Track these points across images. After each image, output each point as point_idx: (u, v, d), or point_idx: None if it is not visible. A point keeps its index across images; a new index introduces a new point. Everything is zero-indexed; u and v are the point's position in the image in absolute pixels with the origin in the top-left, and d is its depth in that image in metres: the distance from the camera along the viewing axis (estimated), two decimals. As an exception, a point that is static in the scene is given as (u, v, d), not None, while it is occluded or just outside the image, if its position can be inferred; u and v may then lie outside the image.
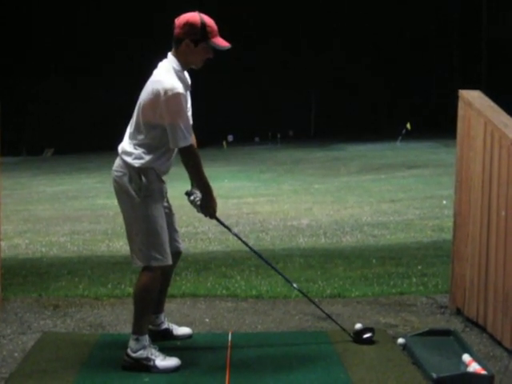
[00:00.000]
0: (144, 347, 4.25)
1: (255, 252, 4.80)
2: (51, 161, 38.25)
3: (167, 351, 4.36)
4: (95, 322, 5.27)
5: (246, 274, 6.86)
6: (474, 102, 5.05)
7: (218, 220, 4.54)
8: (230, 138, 43.44)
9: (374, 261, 7.60)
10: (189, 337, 4.84)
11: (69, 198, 18.85)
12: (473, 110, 5.03)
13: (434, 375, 3.99)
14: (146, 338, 4.29)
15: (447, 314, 5.36)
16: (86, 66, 48.16)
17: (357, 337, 4.67)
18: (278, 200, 16.59)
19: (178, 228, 4.65)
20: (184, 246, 4.81)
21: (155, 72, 4.26)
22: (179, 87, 4.12)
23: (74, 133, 46.67)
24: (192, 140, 4.26)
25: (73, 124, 47.72)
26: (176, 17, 4.27)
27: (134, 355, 4.25)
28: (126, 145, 4.31)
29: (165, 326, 4.79)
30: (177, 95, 4.09)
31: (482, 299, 4.84)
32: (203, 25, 4.18)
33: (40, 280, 6.78)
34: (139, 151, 4.24)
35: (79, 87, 47.93)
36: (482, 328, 4.85)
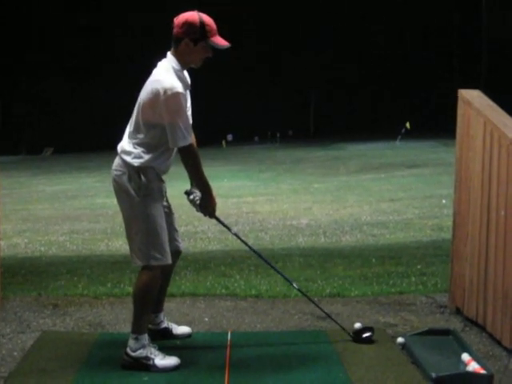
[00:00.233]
0: (143, 346, 4.25)
1: (255, 251, 4.80)
2: (51, 160, 38.25)
3: (166, 350, 4.36)
4: (94, 321, 5.27)
5: (246, 274, 6.87)
6: (473, 101, 5.05)
7: (217, 219, 4.53)
8: (230, 137, 43.45)
9: (373, 260, 7.61)
10: (188, 336, 4.84)
11: (68, 198, 18.86)
12: (472, 110, 5.03)
13: (434, 374, 3.99)
14: (146, 337, 4.29)
15: (446, 314, 5.36)
16: (86, 66, 48.18)
17: (356, 336, 4.67)
18: (277, 199, 16.60)
19: (177, 227, 4.65)
20: (184, 245, 4.81)
21: (155, 71, 4.26)
22: (179, 87, 4.11)
23: (73, 132, 46.69)
24: (192, 139, 4.26)
25: (72, 123, 47.74)
26: (175, 16, 4.27)
27: (133, 354, 4.25)
28: (125, 144, 4.31)
29: (164, 325, 4.78)
30: (176, 95, 4.09)
31: (481, 298, 4.84)
32: (202, 24, 4.17)
33: (39, 279, 6.78)
34: (138, 150, 4.24)
35: (79, 87, 47.93)
36: (482, 327, 4.85)
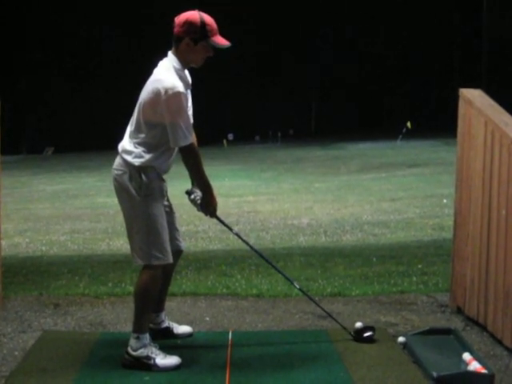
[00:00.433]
0: (144, 346, 4.25)
1: (256, 251, 4.80)
2: (51, 159, 38.27)
3: (168, 350, 4.36)
4: (95, 320, 5.27)
5: (247, 273, 6.87)
6: (474, 100, 5.05)
7: (218, 219, 4.53)
8: (231, 136, 43.46)
9: (374, 259, 7.61)
10: (189, 335, 4.84)
11: (69, 197, 18.87)
12: (473, 109, 5.03)
13: (435, 374, 3.99)
14: (147, 337, 4.29)
15: (447, 313, 5.36)
16: (87, 66, 48.19)
17: (357, 335, 4.67)
18: (278, 199, 16.60)
19: (178, 227, 4.65)
20: (185, 244, 4.81)
21: (155, 71, 4.26)
22: (179, 86, 4.11)
23: (74, 132, 46.70)
24: (192, 139, 4.26)
25: (73, 123, 47.76)
26: (176, 15, 4.27)
27: (134, 354, 4.25)
28: (126, 143, 4.31)
29: (165, 324, 4.79)
30: (177, 94, 4.09)
31: (482, 298, 4.84)
32: (203, 23, 4.17)
33: (40, 279, 6.78)
34: (139, 150, 4.24)
35: (79, 86, 47.94)
36: (483, 327, 4.85)
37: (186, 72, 4.32)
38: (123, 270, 7.08)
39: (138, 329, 4.28)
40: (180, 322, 4.97)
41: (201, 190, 4.39)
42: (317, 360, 4.39)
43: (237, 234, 4.74)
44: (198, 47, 4.20)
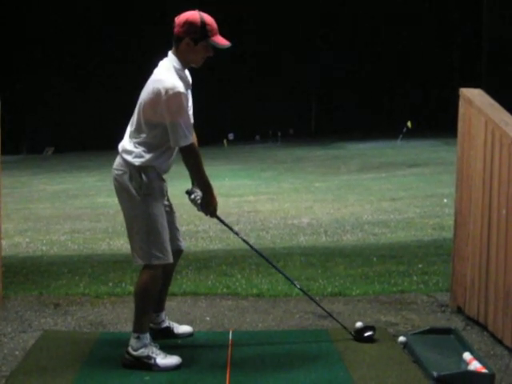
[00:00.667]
0: (145, 345, 4.25)
1: (256, 251, 4.80)
2: (51, 159, 38.26)
3: (168, 349, 4.36)
4: (96, 320, 5.27)
5: (247, 273, 6.87)
6: (474, 100, 5.04)
7: (218, 218, 4.53)
8: (231, 136, 43.46)
9: (374, 259, 7.61)
10: (190, 335, 4.85)
11: (69, 197, 18.86)
12: (473, 109, 5.02)
13: (435, 373, 3.99)
14: (147, 337, 4.29)
15: (448, 313, 5.36)
16: (87, 66, 48.19)
17: (358, 335, 4.68)
18: (278, 198, 16.60)
19: (178, 226, 4.65)
20: (185, 244, 4.81)
21: (156, 71, 4.26)
22: (180, 86, 4.11)
23: (74, 131, 46.71)
24: (193, 139, 4.26)
25: (73, 123, 47.75)
26: (176, 15, 4.27)
27: (134, 353, 4.25)
28: (126, 143, 4.31)
29: (166, 324, 4.79)
30: (177, 94, 4.09)
31: (482, 298, 4.84)
32: (203, 23, 4.17)
33: (41, 278, 6.78)
34: (139, 150, 4.24)
35: (80, 86, 47.94)
36: (483, 326, 4.85)
37: (187, 72, 4.32)
38: (123, 269, 7.08)
39: (139, 328, 4.28)
40: (180, 322, 4.97)
41: (201, 190, 4.39)
42: (317, 359, 4.39)
43: (237, 234, 4.74)
44: (198, 47, 4.20)
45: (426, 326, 4.91)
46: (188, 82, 4.31)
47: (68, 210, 15.84)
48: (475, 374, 4.03)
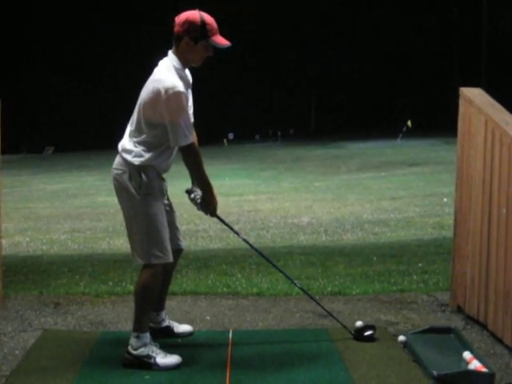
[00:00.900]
0: (145, 345, 4.25)
1: (256, 250, 4.80)
2: (51, 159, 38.25)
3: (168, 349, 4.36)
4: (96, 319, 5.27)
5: (247, 272, 6.87)
6: (474, 99, 5.04)
7: (218, 218, 4.53)
8: (231, 135, 43.46)
9: (374, 258, 7.61)
10: (190, 334, 4.85)
11: (69, 196, 18.87)
12: (473, 108, 5.02)
13: (435, 373, 3.99)
14: (147, 336, 4.29)
15: (448, 312, 5.36)
16: (87, 65, 48.19)
17: (358, 334, 4.68)
18: (278, 198, 16.60)
19: (178, 226, 4.65)
20: (185, 243, 4.81)
21: (156, 70, 4.25)
22: (180, 86, 4.11)
23: (74, 131, 46.70)
24: (193, 138, 4.26)
25: (73, 122, 47.75)
26: (176, 15, 4.27)
27: (134, 353, 4.25)
28: (126, 142, 4.31)
29: (166, 323, 4.79)
30: (177, 94, 4.08)
31: (482, 297, 4.84)
32: (203, 23, 4.17)
33: (41, 278, 6.78)
34: (139, 149, 4.24)
35: (80, 86, 47.94)
36: (483, 325, 4.85)
37: (187, 71, 4.32)
38: (124, 268, 7.08)
39: (139, 328, 4.28)
40: (180, 321, 4.97)
41: (201, 189, 4.39)
42: (317, 359, 4.39)
43: (237, 233, 4.74)
44: (198, 46, 4.20)
45: (426, 325, 4.91)
46: (188, 81, 4.31)
47: (68, 209, 15.84)
48: (475, 373, 4.03)
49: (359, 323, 4.82)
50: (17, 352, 4.53)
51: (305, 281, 6.26)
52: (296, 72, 50.73)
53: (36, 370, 4.19)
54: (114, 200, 4.42)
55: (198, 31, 4.16)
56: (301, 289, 5.00)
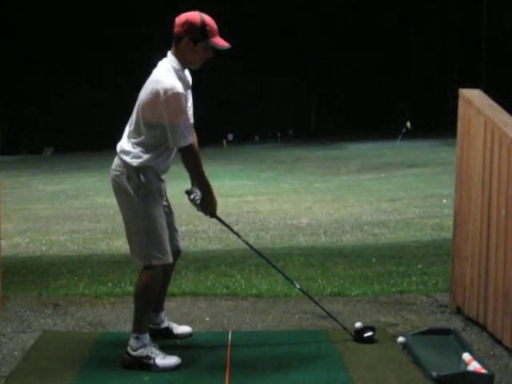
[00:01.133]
0: (144, 346, 4.25)
1: (256, 251, 4.79)
2: (51, 160, 38.25)
3: (167, 350, 4.35)
4: (95, 320, 5.27)
5: (246, 273, 6.87)
6: (474, 100, 5.04)
7: (218, 219, 4.52)
8: (230, 136, 43.50)
9: (374, 260, 7.60)
10: (189, 335, 4.84)
11: (69, 197, 18.87)
12: (473, 109, 5.02)
13: (434, 374, 3.99)
14: (147, 337, 4.29)
15: (447, 313, 5.36)
16: (87, 66, 48.20)
17: (358, 335, 4.67)
18: (278, 199, 16.60)
19: (177, 227, 4.64)
20: (184, 244, 4.80)
21: (155, 71, 4.25)
22: (179, 87, 4.10)
23: (73, 132, 46.72)
24: (193, 139, 4.26)
25: (73, 123, 47.76)
26: (176, 16, 4.26)
27: (134, 354, 4.24)
28: (124, 143, 4.30)
29: (165, 324, 4.78)
30: (176, 94, 4.08)
31: (482, 298, 4.84)
32: (203, 24, 4.16)
33: (40, 279, 6.78)
34: (137, 150, 4.23)
35: (79, 86, 47.95)
36: (482, 327, 4.85)
37: (187, 72, 4.32)
38: (123, 270, 7.08)
39: (138, 329, 4.28)
40: (180, 322, 4.97)
41: (200, 190, 4.38)
42: (316, 360, 4.38)
43: (237, 234, 4.73)
44: (198, 47, 4.19)
45: (426, 326, 4.91)
46: (187, 82, 4.30)
47: (67, 210, 15.83)
48: (474, 375, 4.03)
49: (358, 324, 4.82)
50: (16, 353, 4.53)
51: (304, 282, 6.25)
52: (296, 72, 50.72)
53: (35, 371, 4.19)
54: (113, 201, 4.42)
55: (198, 32, 4.15)
56: (300, 290, 5.00)
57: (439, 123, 39.72)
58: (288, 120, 49.08)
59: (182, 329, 4.86)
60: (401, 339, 4.64)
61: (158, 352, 4.27)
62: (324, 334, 4.89)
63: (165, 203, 4.46)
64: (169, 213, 4.51)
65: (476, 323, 4.96)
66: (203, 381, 4.09)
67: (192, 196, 4.43)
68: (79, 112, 48.17)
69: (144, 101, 4.18)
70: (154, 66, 4.30)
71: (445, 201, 13.49)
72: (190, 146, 4.19)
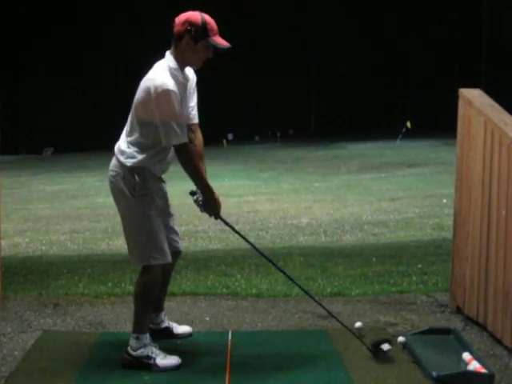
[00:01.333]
0: (144, 346, 4.25)
1: (257, 250, 4.73)
2: (51, 160, 38.24)
3: (167, 350, 4.36)
4: (95, 320, 5.27)
5: (246, 273, 6.87)
6: (474, 100, 5.05)
7: (223, 220, 4.44)
8: (230, 136, 43.48)
9: (374, 259, 7.60)
10: (189, 335, 4.84)
11: (69, 197, 18.86)
12: (473, 109, 5.02)
13: (434, 373, 3.99)
14: (147, 337, 4.29)
15: (447, 313, 5.36)
16: (87, 66, 48.19)
17: (374, 349, 4.40)
18: (278, 199, 16.60)
19: (176, 228, 4.61)
20: (183, 244, 4.79)
21: (150, 70, 4.24)
22: (170, 84, 4.06)
23: (73, 132, 46.70)
24: (186, 138, 4.17)
25: (73, 123, 47.74)
26: (176, 15, 4.26)
27: (134, 354, 4.24)
28: (121, 143, 4.30)
29: (165, 324, 4.78)
30: (167, 92, 4.04)
31: (482, 298, 4.84)
32: (204, 22, 4.15)
33: (40, 278, 6.78)
34: (131, 150, 4.22)
35: (79, 86, 47.94)
36: (482, 326, 4.85)
37: (190, 71, 4.30)
38: (123, 269, 7.08)
39: (138, 329, 4.28)
40: (180, 322, 4.97)
41: (201, 191, 4.34)
42: (316, 360, 4.38)
43: (243, 237, 4.63)
44: (198, 47, 4.17)
45: (426, 326, 4.91)
46: (186, 82, 4.27)
47: (67, 210, 15.83)
48: (474, 374, 4.03)
49: (358, 324, 4.81)
50: (16, 353, 4.53)
51: (304, 282, 6.25)
52: (296, 72, 50.72)
53: (35, 371, 4.19)
54: (112, 201, 4.41)
55: (199, 31, 4.13)
56: (301, 288, 4.93)
57: (439, 123, 39.72)
58: (288, 120, 49.07)
59: (182, 329, 4.86)
60: (401, 339, 4.64)
61: (158, 352, 4.27)
62: (324, 333, 4.89)
63: (165, 204, 4.44)
64: (168, 213, 4.49)
65: (476, 323, 4.96)
66: (203, 381, 4.09)
67: (195, 197, 4.37)
68: (79, 112, 48.14)
69: (137, 99, 4.17)
70: (152, 66, 4.29)
71: (445, 200, 13.49)
72: (184, 145, 4.14)
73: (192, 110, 4.33)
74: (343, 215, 13.11)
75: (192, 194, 4.41)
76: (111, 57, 48.46)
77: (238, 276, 6.68)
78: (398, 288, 6.09)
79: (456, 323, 5.07)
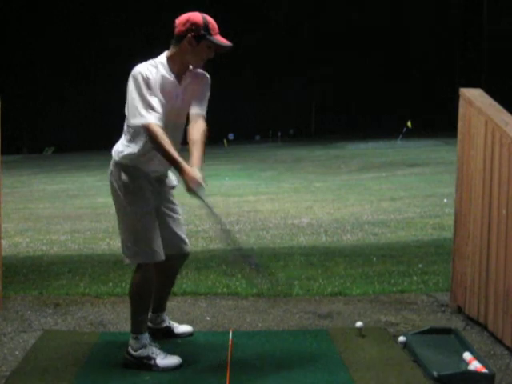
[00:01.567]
0: (144, 346, 4.25)
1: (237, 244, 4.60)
2: (52, 159, 38.23)
3: (168, 349, 4.36)
4: (96, 320, 5.27)
5: (247, 273, 6.86)
6: (474, 100, 5.05)
7: (198, 196, 4.03)
8: (231, 136, 43.45)
9: (374, 259, 7.60)
10: (190, 335, 4.84)
11: (69, 197, 18.85)
12: (473, 109, 5.02)
13: (435, 373, 3.99)
14: (146, 337, 4.29)
15: (448, 313, 5.36)
16: (87, 65, 48.18)
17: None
18: (278, 198, 16.58)
19: (181, 231, 4.55)
20: (190, 247, 4.73)
21: None
22: (143, 70, 4.08)
23: (74, 131, 46.71)
24: (155, 119, 4.01)
25: (73, 122, 47.75)
26: (176, 16, 4.26)
27: (134, 354, 4.25)
28: (118, 142, 4.33)
29: (166, 324, 4.79)
30: (136, 73, 4.07)
31: (482, 297, 4.84)
32: (205, 21, 4.15)
33: (41, 278, 6.78)
34: (123, 147, 4.24)
35: (80, 86, 47.94)
36: (483, 326, 4.85)
37: (196, 71, 4.29)
38: (124, 269, 7.06)
39: (136, 329, 4.28)
40: (180, 322, 4.97)
41: (173, 168, 4.13)
42: (317, 360, 4.38)
43: (218, 219, 4.31)
44: (200, 46, 4.15)
45: (426, 325, 4.91)
46: (173, 81, 4.19)
47: (68, 209, 15.82)
48: (475, 374, 4.03)
49: (359, 324, 4.82)
50: (17, 353, 4.53)
51: (305, 281, 6.26)
52: (296, 72, 50.70)
53: (36, 371, 4.19)
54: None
55: (201, 29, 4.12)
56: (256, 268, 4.77)
57: (439, 123, 39.71)
58: (288, 119, 49.06)
59: (183, 328, 4.86)
60: (401, 339, 4.64)
61: (158, 352, 4.27)
62: (325, 333, 4.89)
63: (162, 204, 4.42)
64: (171, 214, 4.46)
65: (477, 322, 4.96)
66: (204, 380, 4.09)
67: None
68: (80, 112, 48.16)
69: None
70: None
71: (445, 200, 13.48)
72: (149, 126, 3.98)
73: (193, 107, 4.34)
74: (344, 215, 13.10)
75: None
76: (112, 57, 48.44)
77: (239, 276, 6.68)
78: (399, 288, 6.09)
79: (457, 323, 5.07)
